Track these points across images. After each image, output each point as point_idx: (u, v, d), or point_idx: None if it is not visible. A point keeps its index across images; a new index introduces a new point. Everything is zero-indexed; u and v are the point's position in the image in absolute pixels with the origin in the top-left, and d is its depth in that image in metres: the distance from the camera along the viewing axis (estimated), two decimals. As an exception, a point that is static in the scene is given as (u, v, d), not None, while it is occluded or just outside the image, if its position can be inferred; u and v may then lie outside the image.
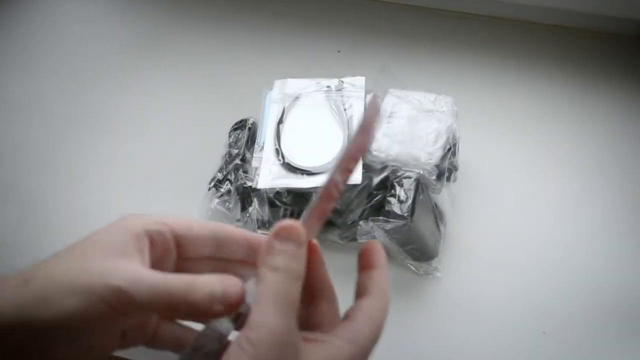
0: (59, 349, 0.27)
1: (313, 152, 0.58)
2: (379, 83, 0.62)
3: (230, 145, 0.64)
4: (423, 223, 0.55)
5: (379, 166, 0.56)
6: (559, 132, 0.69)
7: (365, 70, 0.64)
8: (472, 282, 0.58)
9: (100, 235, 0.29)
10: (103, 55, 0.84)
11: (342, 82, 0.63)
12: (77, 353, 0.28)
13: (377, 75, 0.63)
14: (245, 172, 0.60)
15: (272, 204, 0.57)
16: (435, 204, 0.58)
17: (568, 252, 0.59)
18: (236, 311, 0.30)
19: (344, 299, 0.31)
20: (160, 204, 0.65)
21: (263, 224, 0.57)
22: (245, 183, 0.59)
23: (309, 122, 0.60)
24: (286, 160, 0.57)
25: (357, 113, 0.60)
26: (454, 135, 0.59)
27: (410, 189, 0.54)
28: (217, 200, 0.61)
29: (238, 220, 0.59)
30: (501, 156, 0.67)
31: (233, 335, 0.28)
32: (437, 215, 0.58)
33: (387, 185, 0.55)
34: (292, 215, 0.58)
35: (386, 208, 0.53)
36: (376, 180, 0.55)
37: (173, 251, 0.31)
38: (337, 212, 0.57)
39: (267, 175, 0.57)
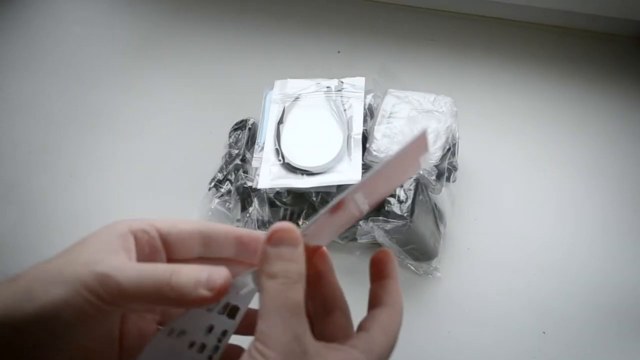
0: (47, 348, 0.26)
1: (313, 152, 0.58)
2: (379, 83, 0.62)
3: (230, 146, 0.64)
4: (423, 223, 0.55)
5: (379, 166, 0.56)
6: (559, 132, 0.69)
7: (365, 70, 0.64)
8: (472, 282, 0.58)
9: (87, 238, 0.29)
10: (103, 55, 0.84)
11: (342, 82, 0.63)
12: (70, 354, 0.27)
13: (377, 75, 0.64)
14: (245, 172, 0.60)
15: (272, 204, 0.57)
16: (435, 204, 0.58)
17: (568, 252, 0.59)
18: (226, 303, 0.30)
19: (347, 298, 0.31)
20: (160, 204, 0.65)
21: (263, 224, 0.57)
22: (245, 183, 0.59)
23: (309, 122, 0.60)
24: (286, 161, 0.57)
25: (357, 113, 0.60)
26: (453, 136, 0.59)
27: (410, 189, 0.54)
28: (217, 200, 0.61)
29: (238, 220, 0.59)
30: (501, 156, 0.67)
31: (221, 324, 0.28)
32: (437, 215, 0.58)
33: (387, 185, 0.55)
34: (292, 215, 0.58)
35: (386, 208, 0.53)
36: (376, 180, 0.55)
37: (161, 251, 0.31)
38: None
39: (267, 175, 0.57)
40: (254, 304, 0.28)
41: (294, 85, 0.64)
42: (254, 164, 0.59)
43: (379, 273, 0.31)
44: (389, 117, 0.59)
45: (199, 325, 0.30)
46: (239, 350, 0.31)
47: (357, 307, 0.31)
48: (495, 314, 0.55)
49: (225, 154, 0.64)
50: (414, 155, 0.29)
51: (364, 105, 0.61)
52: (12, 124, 0.76)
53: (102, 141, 0.73)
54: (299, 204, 0.57)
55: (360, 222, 0.54)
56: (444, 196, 0.59)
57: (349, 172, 0.56)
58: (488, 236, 0.61)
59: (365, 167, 0.57)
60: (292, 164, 0.57)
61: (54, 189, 0.69)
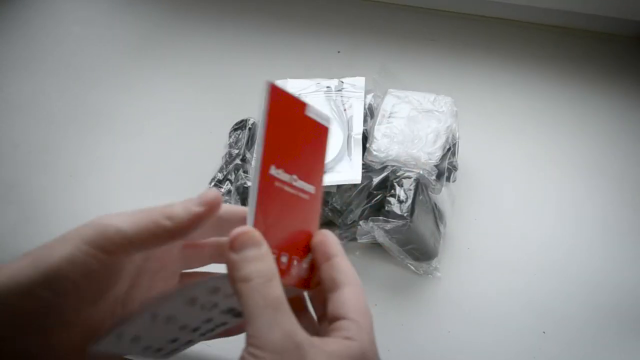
0: (57, 309, 0.27)
1: (313, 152, 0.58)
2: (379, 83, 0.62)
3: (230, 146, 0.64)
4: (423, 223, 0.55)
5: (378, 166, 0.56)
6: (559, 132, 0.69)
7: (365, 70, 0.64)
8: (472, 282, 0.58)
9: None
10: (103, 55, 0.84)
11: (342, 82, 0.63)
12: (89, 305, 0.28)
13: (377, 75, 0.64)
14: (245, 172, 0.60)
15: (272, 204, 0.57)
16: (435, 204, 0.58)
17: (568, 252, 0.59)
18: (230, 307, 0.30)
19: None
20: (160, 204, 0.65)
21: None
22: (245, 183, 0.59)
23: (309, 122, 0.60)
24: (286, 160, 0.57)
25: (357, 113, 0.60)
26: (453, 135, 0.60)
27: (410, 189, 0.54)
28: (217, 200, 0.61)
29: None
30: (501, 156, 0.67)
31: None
32: (437, 215, 0.58)
33: (387, 185, 0.55)
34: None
35: (386, 208, 0.53)
36: (376, 180, 0.55)
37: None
38: (337, 212, 0.57)
39: (267, 175, 0.57)
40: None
41: (294, 85, 0.64)
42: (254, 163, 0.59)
43: (324, 254, 0.30)
44: (389, 117, 0.59)
45: (195, 316, 0.30)
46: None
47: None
48: (495, 314, 0.55)
49: (225, 154, 0.64)
50: (288, 112, 0.29)
51: (364, 105, 0.61)
52: (12, 124, 0.76)
53: (102, 141, 0.73)
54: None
55: (360, 222, 0.54)
56: (444, 196, 0.59)
57: (349, 172, 0.56)
58: (488, 236, 0.61)
59: (366, 167, 0.57)
60: (292, 164, 0.57)
61: (54, 189, 0.69)
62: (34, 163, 0.72)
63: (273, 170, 0.28)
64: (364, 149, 0.58)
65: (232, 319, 0.31)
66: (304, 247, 0.31)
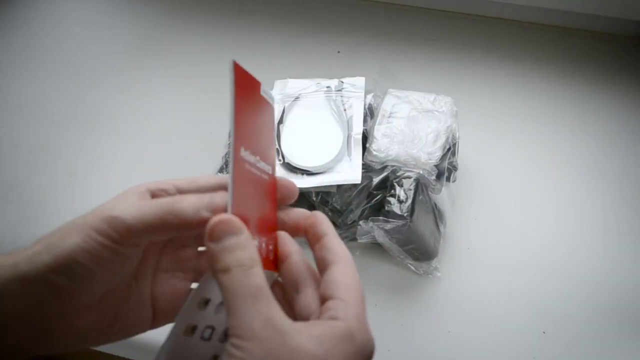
0: (71, 294, 0.28)
1: (313, 152, 0.58)
2: (379, 83, 0.62)
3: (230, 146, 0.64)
4: (423, 223, 0.55)
5: (378, 166, 0.56)
6: (559, 132, 0.69)
7: (365, 70, 0.64)
8: (472, 282, 0.58)
9: (107, 200, 0.30)
10: (103, 55, 0.84)
11: (342, 82, 0.63)
12: (97, 290, 0.29)
13: (377, 75, 0.64)
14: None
15: (272, 204, 0.57)
16: (435, 204, 0.58)
17: (568, 252, 0.59)
18: (225, 328, 0.30)
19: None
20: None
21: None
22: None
23: (309, 122, 0.60)
24: (286, 160, 0.57)
25: (357, 113, 0.60)
26: (453, 135, 0.60)
27: (410, 189, 0.54)
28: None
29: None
30: (501, 156, 0.68)
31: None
32: (437, 215, 0.58)
33: (387, 185, 0.55)
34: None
35: (386, 208, 0.53)
36: (376, 180, 0.55)
37: None
38: (337, 212, 0.57)
39: (267, 175, 0.57)
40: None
41: (294, 85, 0.64)
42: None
43: (315, 236, 0.30)
44: (389, 117, 0.59)
45: (201, 356, 0.29)
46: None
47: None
48: (495, 314, 0.55)
49: (226, 154, 0.64)
50: (249, 91, 0.29)
51: (364, 105, 0.61)
52: (12, 124, 0.76)
53: (102, 141, 0.73)
54: (299, 204, 0.57)
55: (360, 222, 0.54)
56: (444, 196, 0.59)
57: (349, 172, 0.56)
58: (488, 236, 0.61)
59: (366, 167, 0.57)
60: (292, 164, 0.57)
61: (54, 189, 0.69)
62: (34, 163, 0.72)
63: (242, 152, 0.28)
64: (364, 149, 0.58)
65: None
66: (269, 228, 0.30)
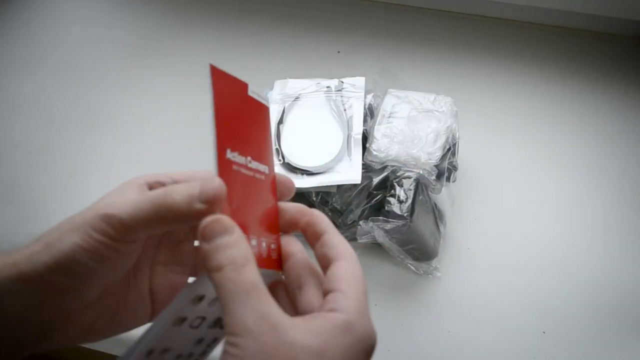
0: (71, 292, 0.28)
1: (313, 152, 0.58)
2: (379, 83, 0.62)
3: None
4: (423, 223, 0.55)
5: (378, 166, 0.56)
6: (559, 132, 0.69)
7: (365, 70, 0.64)
8: (472, 282, 0.58)
9: (106, 193, 0.30)
10: (103, 55, 0.84)
11: (342, 82, 0.63)
12: (97, 288, 0.29)
13: (377, 75, 0.64)
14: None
15: (272, 204, 0.57)
16: (435, 204, 0.58)
17: (568, 252, 0.59)
18: (217, 318, 0.30)
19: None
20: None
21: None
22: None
23: (309, 122, 0.60)
24: (286, 160, 0.57)
25: (357, 113, 0.60)
26: (453, 135, 0.60)
27: (410, 189, 0.54)
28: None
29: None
30: (501, 156, 0.67)
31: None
32: (437, 215, 0.58)
33: (387, 185, 0.55)
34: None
35: (386, 208, 0.53)
36: (376, 180, 0.55)
37: None
38: (337, 212, 0.57)
39: (267, 175, 0.57)
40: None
41: (294, 85, 0.64)
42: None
43: (314, 235, 0.30)
44: (389, 117, 0.59)
45: (186, 340, 0.29)
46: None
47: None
48: (495, 314, 0.55)
49: (225, 154, 0.64)
50: (233, 94, 0.29)
51: (364, 105, 0.61)
52: (12, 124, 0.76)
53: (102, 141, 0.73)
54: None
55: (360, 222, 0.54)
56: (444, 196, 0.59)
57: (349, 172, 0.56)
58: (488, 236, 0.61)
59: (366, 167, 0.57)
60: (292, 164, 0.57)
61: (54, 189, 0.69)
62: (34, 163, 0.72)
63: (229, 154, 0.28)
64: (364, 149, 0.58)
65: (221, 331, 0.31)
66: (270, 228, 0.30)
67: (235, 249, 0.26)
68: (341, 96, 0.62)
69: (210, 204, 0.27)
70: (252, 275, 0.26)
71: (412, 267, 0.57)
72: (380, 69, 0.64)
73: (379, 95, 0.62)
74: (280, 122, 0.61)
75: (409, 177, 0.54)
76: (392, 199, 0.53)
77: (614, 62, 0.76)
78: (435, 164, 0.56)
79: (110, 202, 0.28)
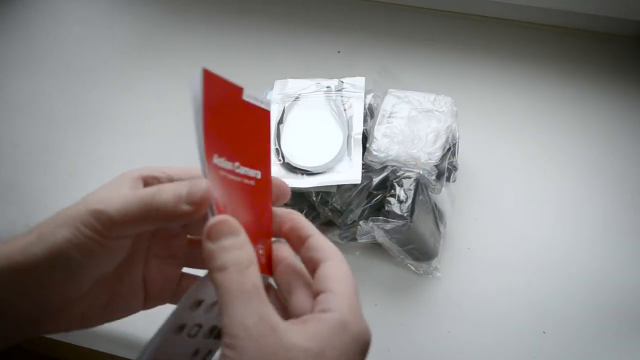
0: (62, 285, 0.28)
1: (313, 152, 0.58)
2: (379, 83, 0.62)
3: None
4: (423, 223, 0.55)
5: (378, 166, 0.56)
6: (559, 132, 0.69)
7: (365, 70, 0.64)
8: (472, 282, 0.58)
9: (101, 186, 0.31)
10: (103, 55, 0.84)
11: (342, 82, 0.63)
12: (88, 280, 0.29)
13: (377, 75, 0.64)
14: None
15: (272, 204, 0.57)
16: (435, 204, 0.58)
17: (568, 252, 0.59)
18: (212, 326, 0.30)
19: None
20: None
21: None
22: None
23: (309, 122, 0.60)
24: (286, 160, 0.57)
25: (357, 113, 0.60)
26: (453, 135, 0.60)
27: (410, 189, 0.54)
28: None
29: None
30: (501, 156, 0.68)
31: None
32: (437, 215, 0.58)
33: (387, 185, 0.55)
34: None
35: (386, 208, 0.53)
36: (376, 180, 0.55)
37: None
38: (337, 212, 0.57)
39: (267, 175, 0.57)
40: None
41: (294, 85, 0.64)
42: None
43: (298, 239, 0.30)
44: (389, 117, 0.59)
45: (185, 349, 0.30)
46: None
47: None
48: (495, 314, 0.55)
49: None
50: (223, 96, 0.28)
51: (364, 105, 0.61)
52: (12, 124, 0.76)
53: (102, 141, 0.73)
54: (299, 204, 0.57)
55: (360, 222, 0.54)
56: (444, 196, 0.59)
57: (349, 172, 0.56)
58: (488, 236, 0.61)
59: (366, 167, 0.57)
60: (292, 164, 0.57)
61: (54, 189, 0.69)
62: (34, 163, 0.72)
63: (216, 159, 0.28)
64: (364, 149, 0.58)
65: (215, 342, 0.31)
66: (260, 233, 0.30)
67: (241, 250, 0.26)
68: (341, 96, 0.62)
69: (197, 205, 0.27)
70: (255, 278, 0.26)
71: (412, 267, 0.57)
72: (380, 69, 0.64)
73: (379, 95, 0.62)
74: (280, 122, 0.61)
75: (409, 177, 0.54)
76: (392, 199, 0.53)
77: (614, 62, 0.76)
78: (435, 164, 0.56)
79: (102, 197, 0.29)
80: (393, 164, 0.56)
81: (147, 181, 0.31)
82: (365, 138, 0.59)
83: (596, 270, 0.58)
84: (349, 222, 0.56)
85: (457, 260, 0.59)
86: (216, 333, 0.31)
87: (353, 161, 0.57)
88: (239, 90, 0.30)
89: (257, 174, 0.30)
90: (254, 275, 0.26)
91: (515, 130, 0.70)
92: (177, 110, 0.76)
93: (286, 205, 0.57)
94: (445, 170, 0.57)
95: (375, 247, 0.57)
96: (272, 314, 0.25)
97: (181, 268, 0.34)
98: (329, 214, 0.57)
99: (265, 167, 0.31)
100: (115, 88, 0.79)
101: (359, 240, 0.55)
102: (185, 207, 0.27)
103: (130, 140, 0.73)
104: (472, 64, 0.77)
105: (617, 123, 0.70)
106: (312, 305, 0.28)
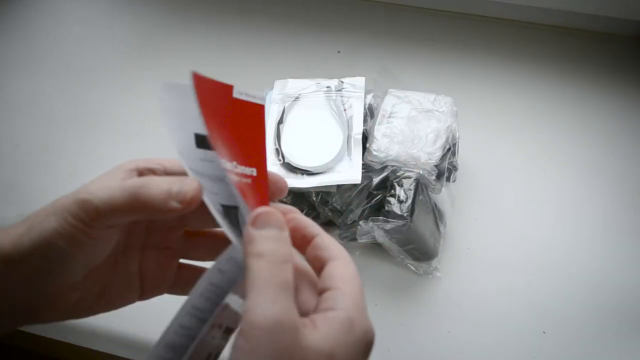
0: (51, 274, 0.29)
1: (313, 152, 0.58)
2: (379, 83, 0.62)
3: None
4: (423, 223, 0.55)
5: (378, 166, 0.56)
6: (559, 132, 0.69)
7: (365, 70, 0.64)
8: (472, 282, 0.58)
9: (97, 177, 0.32)
10: (103, 55, 0.84)
11: (342, 82, 0.63)
12: (79, 270, 0.29)
13: (377, 75, 0.64)
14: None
15: (272, 204, 0.57)
16: (435, 204, 0.58)
17: (568, 252, 0.59)
18: (225, 328, 0.29)
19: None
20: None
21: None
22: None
23: (309, 122, 0.60)
24: (286, 160, 0.57)
25: (357, 113, 0.60)
26: (453, 135, 0.60)
27: (410, 189, 0.54)
28: (217, 200, 0.61)
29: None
30: (501, 156, 0.67)
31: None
32: (437, 215, 0.58)
33: (387, 185, 0.55)
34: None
35: (386, 208, 0.53)
36: (376, 180, 0.55)
37: None
38: (337, 212, 0.57)
39: (267, 175, 0.57)
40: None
41: (294, 85, 0.64)
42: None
43: (304, 239, 0.30)
44: (389, 117, 0.59)
45: (227, 312, 0.29)
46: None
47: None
48: (495, 314, 0.55)
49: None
50: (215, 96, 0.29)
51: (364, 105, 0.61)
52: (12, 124, 0.76)
53: (102, 141, 0.73)
54: (299, 204, 0.57)
55: (360, 222, 0.54)
56: (444, 196, 0.59)
57: (349, 172, 0.56)
58: (488, 236, 0.61)
59: (366, 167, 0.57)
60: (292, 164, 0.57)
61: (54, 189, 0.69)
62: (34, 163, 0.72)
63: (210, 154, 0.28)
64: (364, 149, 0.58)
65: (224, 343, 0.31)
66: None
67: (283, 244, 0.26)
68: (341, 96, 0.62)
69: (186, 204, 0.27)
70: (288, 275, 0.26)
71: (412, 267, 0.57)
72: (380, 69, 0.64)
73: (379, 95, 0.62)
74: (280, 122, 0.61)
75: (409, 177, 0.54)
76: (392, 199, 0.53)
77: (614, 62, 0.76)
78: (435, 164, 0.56)
79: (92, 188, 0.29)
80: (393, 164, 0.56)
81: (142, 172, 0.31)
82: (365, 138, 0.59)
83: (596, 270, 0.58)
84: (349, 222, 0.56)
85: (457, 260, 0.59)
86: (225, 331, 0.30)
87: (353, 161, 0.57)
88: (229, 88, 0.29)
89: (253, 170, 0.30)
90: (288, 272, 0.26)
91: (515, 130, 0.70)
92: (177, 110, 0.76)
93: (285, 204, 0.57)
94: (445, 170, 0.57)
95: (375, 247, 0.57)
96: (295, 314, 0.25)
97: (178, 259, 0.34)
98: (329, 214, 0.57)
99: (261, 163, 0.31)
100: (115, 88, 0.79)
101: (359, 240, 0.55)
102: (175, 204, 0.27)
103: (130, 140, 0.73)
104: (472, 64, 0.77)
105: (617, 123, 0.70)
106: (316, 303, 0.28)
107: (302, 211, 0.30)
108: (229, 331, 0.30)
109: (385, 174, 0.55)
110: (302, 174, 0.57)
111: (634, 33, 0.78)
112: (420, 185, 0.54)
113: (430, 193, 0.56)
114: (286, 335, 0.24)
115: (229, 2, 0.89)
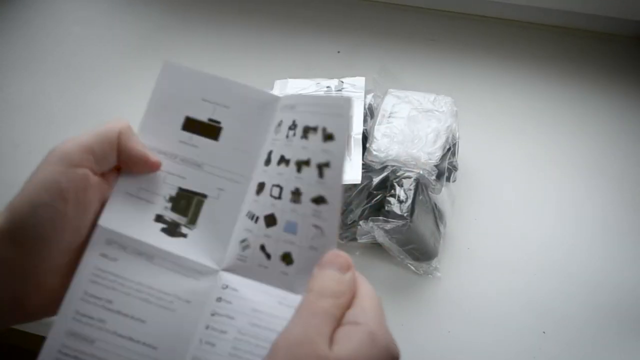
0: (41, 245, 0.30)
1: (313, 152, 0.58)
2: (379, 83, 0.62)
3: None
4: (423, 223, 0.55)
5: (378, 166, 0.56)
6: (559, 132, 0.69)
7: (365, 70, 0.64)
8: (472, 282, 0.58)
9: None
10: (103, 55, 0.84)
11: (342, 82, 0.63)
12: (62, 247, 0.31)
13: (377, 75, 0.64)
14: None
15: (272, 204, 0.57)
16: (435, 204, 0.58)
17: (568, 252, 0.59)
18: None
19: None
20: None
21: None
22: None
23: (309, 122, 0.60)
24: (286, 160, 0.57)
25: (356, 113, 0.60)
26: (453, 135, 0.60)
27: (410, 189, 0.54)
28: (217, 200, 0.61)
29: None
30: (501, 156, 0.67)
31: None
32: (437, 215, 0.58)
33: (387, 185, 0.55)
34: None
35: (386, 208, 0.53)
36: (376, 180, 0.55)
37: None
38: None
39: (267, 175, 0.57)
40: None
41: (294, 85, 0.64)
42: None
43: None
44: (389, 117, 0.59)
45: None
46: None
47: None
48: (495, 314, 0.55)
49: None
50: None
51: (364, 105, 0.61)
52: (12, 124, 0.76)
53: (102, 141, 0.73)
54: (299, 204, 0.57)
55: (360, 222, 0.54)
56: (444, 196, 0.59)
57: (349, 172, 0.56)
58: (488, 236, 0.61)
59: (366, 167, 0.56)
60: (292, 164, 0.57)
61: (54, 189, 0.69)
62: (34, 163, 0.72)
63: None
64: (364, 149, 0.58)
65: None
66: None
67: (338, 285, 0.28)
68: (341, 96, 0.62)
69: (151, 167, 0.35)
70: (334, 309, 0.27)
71: (412, 267, 0.57)
72: (380, 69, 0.64)
73: (379, 95, 0.62)
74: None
75: (409, 177, 0.54)
76: (392, 199, 0.53)
77: (614, 62, 0.76)
78: (435, 164, 0.56)
79: (68, 142, 0.34)
80: (393, 164, 0.56)
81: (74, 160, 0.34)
82: (365, 138, 0.59)
83: (596, 270, 0.58)
84: (349, 222, 0.56)
85: (457, 260, 0.59)
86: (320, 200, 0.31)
87: (353, 161, 0.57)
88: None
89: None
90: (335, 307, 0.27)
91: (515, 130, 0.70)
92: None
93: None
94: (445, 170, 0.57)
95: (375, 247, 0.57)
96: (326, 346, 0.26)
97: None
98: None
99: None
100: (115, 88, 0.79)
101: (359, 240, 0.55)
102: (151, 159, 0.35)
103: (130, 140, 0.73)
104: (472, 64, 0.77)
105: (617, 123, 0.70)
106: None
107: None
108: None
109: (385, 174, 0.55)
110: (302, 174, 0.56)
111: (634, 33, 0.78)
112: (420, 185, 0.54)
113: (430, 193, 0.56)
114: (305, 346, 0.25)
115: (229, 2, 0.89)
